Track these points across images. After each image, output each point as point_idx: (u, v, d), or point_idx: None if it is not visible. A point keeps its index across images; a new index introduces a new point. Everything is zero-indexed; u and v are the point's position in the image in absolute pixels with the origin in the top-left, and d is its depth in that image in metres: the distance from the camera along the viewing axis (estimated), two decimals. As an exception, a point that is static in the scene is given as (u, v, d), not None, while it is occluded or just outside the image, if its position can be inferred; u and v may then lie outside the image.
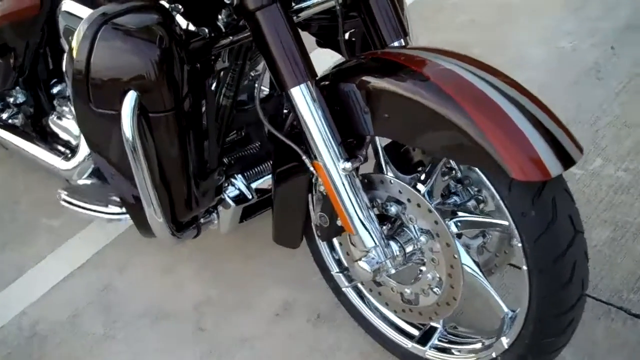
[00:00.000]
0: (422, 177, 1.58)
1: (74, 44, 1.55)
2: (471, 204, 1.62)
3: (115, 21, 1.51)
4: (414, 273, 1.64)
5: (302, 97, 1.50)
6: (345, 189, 1.53)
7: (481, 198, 1.62)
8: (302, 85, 1.50)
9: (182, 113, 1.55)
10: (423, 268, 1.61)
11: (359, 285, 1.85)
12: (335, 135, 1.52)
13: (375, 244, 1.55)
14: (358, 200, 1.54)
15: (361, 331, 1.92)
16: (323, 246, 1.86)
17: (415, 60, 1.48)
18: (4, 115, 2.37)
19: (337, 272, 1.85)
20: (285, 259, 2.17)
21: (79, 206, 1.92)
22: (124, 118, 1.51)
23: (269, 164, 2.00)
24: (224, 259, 2.27)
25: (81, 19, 1.76)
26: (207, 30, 1.62)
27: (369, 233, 1.55)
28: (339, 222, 1.61)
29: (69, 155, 2.14)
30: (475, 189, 1.62)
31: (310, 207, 1.78)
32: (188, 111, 1.57)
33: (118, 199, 1.83)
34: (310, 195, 1.76)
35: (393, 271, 1.58)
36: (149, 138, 1.55)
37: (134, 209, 1.69)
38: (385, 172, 1.62)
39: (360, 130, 1.52)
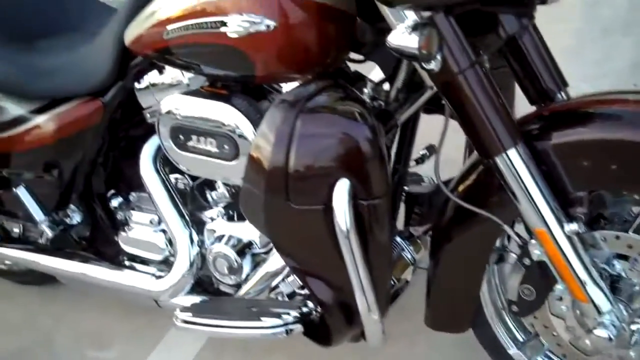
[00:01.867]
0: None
1: (259, 140, 1.35)
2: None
3: (311, 106, 1.32)
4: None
5: (515, 161, 1.37)
6: (574, 254, 1.40)
7: None
8: (513, 150, 1.36)
9: (391, 196, 1.38)
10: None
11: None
12: (553, 197, 1.39)
13: (611, 307, 1.41)
14: (586, 263, 1.41)
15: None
16: (497, 324, 1.69)
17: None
18: (53, 239, 2.04)
19: (516, 350, 1.68)
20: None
21: (216, 325, 1.64)
22: (337, 210, 1.31)
23: None
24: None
25: (202, 118, 1.57)
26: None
27: (604, 297, 1.41)
28: (557, 290, 1.47)
29: (159, 274, 1.87)
30: None
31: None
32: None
33: (270, 310, 1.59)
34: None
35: (627, 336, 1.45)
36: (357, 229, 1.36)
37: (336, 311, 1.49)
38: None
39: (573, 188, 1.40)
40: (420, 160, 1.90)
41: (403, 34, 1.25)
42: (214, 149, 1.58)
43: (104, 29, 1.76)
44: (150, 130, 1.79)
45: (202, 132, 1.58)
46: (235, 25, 1.40)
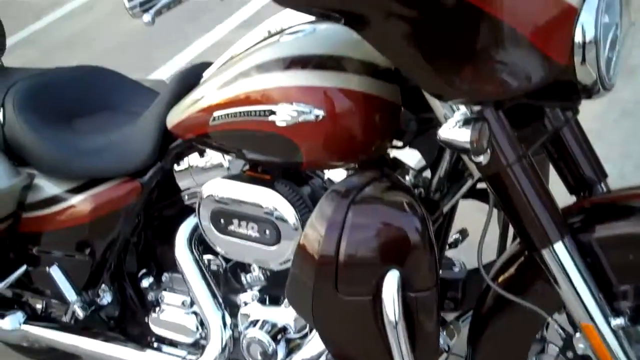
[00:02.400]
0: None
1: (310, 230, 1.35)
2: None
3: (362, 197, 1.33)
4: None
5: (561, 255, 1.37)
6: (620, 349, 1.39)
7: None
8: (559, 243, 1.36)
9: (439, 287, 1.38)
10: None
11: None
12: (599, 290, 1.39)
13: (658, 403, 1.40)
14: (632, 358, 1.40)
15: None
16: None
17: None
18: (84, 319, 2.02)
19: None
20: None
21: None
22: (387, 301, 1.31)
23: None
24: None
25: (245, 203, 1.57)
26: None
27: (650, 392, 1.40)
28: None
29: (189, 357, 1.85)
30: None
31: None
32: None
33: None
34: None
35: None
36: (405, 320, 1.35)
37: None
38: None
39: (618, 281, 1.40)
40: (454, 245, 1.90)
41: (454, 128, 1.27)
42: (255, 234, 1.58)
43: (145, 112, 1.79)
44: (185, 211, 1.80)
45: (244, 217, 1.58)
46: (285, 114, 1.42)
